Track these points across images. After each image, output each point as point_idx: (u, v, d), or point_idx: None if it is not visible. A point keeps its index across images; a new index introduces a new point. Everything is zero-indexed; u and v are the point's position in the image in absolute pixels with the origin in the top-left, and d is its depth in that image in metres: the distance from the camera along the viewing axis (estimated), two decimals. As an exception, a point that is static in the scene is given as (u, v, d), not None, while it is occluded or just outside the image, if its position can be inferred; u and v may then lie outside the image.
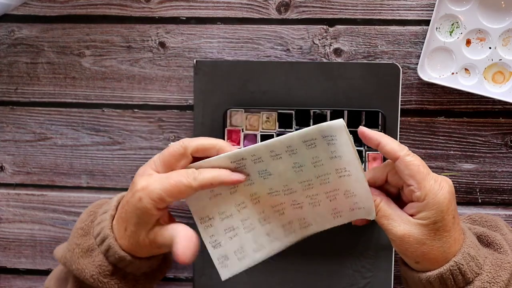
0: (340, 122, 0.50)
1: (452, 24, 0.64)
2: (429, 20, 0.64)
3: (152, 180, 0.51)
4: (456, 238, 0.51)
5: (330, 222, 0.56)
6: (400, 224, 0.51)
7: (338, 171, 0.53)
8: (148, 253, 0.55)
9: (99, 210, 0.58)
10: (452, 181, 0.66)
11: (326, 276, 0.67)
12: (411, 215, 0.52)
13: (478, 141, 0.66)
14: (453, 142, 0.66)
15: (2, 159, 0.72)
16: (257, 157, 0.52)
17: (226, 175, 0.52)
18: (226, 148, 0.53)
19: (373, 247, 0.66)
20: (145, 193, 0.51)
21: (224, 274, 0.56)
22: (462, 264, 0.50)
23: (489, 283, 0.50)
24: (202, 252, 0.66)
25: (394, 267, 0.66)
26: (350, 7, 0.66)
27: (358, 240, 0.66)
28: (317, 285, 0.67)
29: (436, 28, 0.64)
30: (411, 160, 0.51)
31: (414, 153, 0.52)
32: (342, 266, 0.67)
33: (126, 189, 0.70)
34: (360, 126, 0.53)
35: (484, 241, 0.55)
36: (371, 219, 0.54)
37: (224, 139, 0.66)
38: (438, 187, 0.50)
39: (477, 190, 0.67)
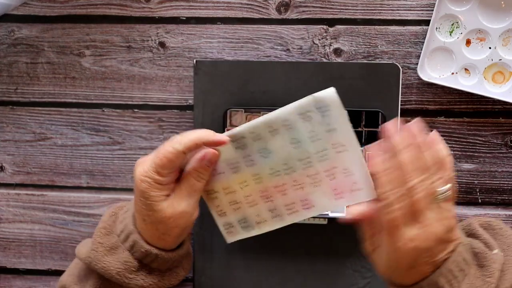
0: (332, 90, 0.51)
1: (452, 24, 0.64)
2: (429, 20, 0.64)
3: (145, 161, 0.54)
4: (409, 277, 0.50)
5: (333, 204, 0.56)
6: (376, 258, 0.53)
7: (335, 146, 0.53)
8: (174, 238, 0.55)
9: (120, 211, 0.59)
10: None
11: (326, 276, 0.67)
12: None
13: (478, 141, 0.66)
14: (453, 142, 0.66)
15: (2, 159, 0.72)
16: (256, 134, 0.53)
17: (210, 134, 0.53)
18: (210, 137, 0.53)
19: (373, 247, 0.66)
20: (141, 176, 0.53)
21: (229, 239, 0.58)
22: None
23: None
24: (202, 252, 0.66)
25: (394, 267, 0.66)
26: (350, 7, 0.66)
27: (358, 240, 0.66)
28: (317, 285, 0.67)
29: (436, 28, 0.64)
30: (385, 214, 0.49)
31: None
32: (342, 266, 0.67)
33: (126, 189, 0.70)
34: (383, 124, 0.51)
35: (480, 262, 0.52)
36: (371, 199, 0.53)
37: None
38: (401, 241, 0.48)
39: (477, 190, 0.67)
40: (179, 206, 0.54)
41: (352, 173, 0.54)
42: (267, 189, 0.56)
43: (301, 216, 0.57)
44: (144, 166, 0.53)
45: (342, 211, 0.65)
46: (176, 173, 0.54)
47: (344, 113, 0.51)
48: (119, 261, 0.55)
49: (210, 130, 0.54)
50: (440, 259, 0.49)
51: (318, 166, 0.54)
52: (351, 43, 0.66)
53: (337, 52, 0.67)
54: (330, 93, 0.51)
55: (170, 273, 0.58)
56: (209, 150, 0.54)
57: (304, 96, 0.65)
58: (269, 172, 0.55)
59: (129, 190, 0.70)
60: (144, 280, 0.56)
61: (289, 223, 0.57)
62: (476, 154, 0.66)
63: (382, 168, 0.49)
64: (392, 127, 0.50)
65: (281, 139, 0.53)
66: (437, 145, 0.49)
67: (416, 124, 0.50)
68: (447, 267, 0.49)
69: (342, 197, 0.55)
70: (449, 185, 0.48)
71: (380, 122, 0.64)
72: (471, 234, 0.57)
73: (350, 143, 0.53)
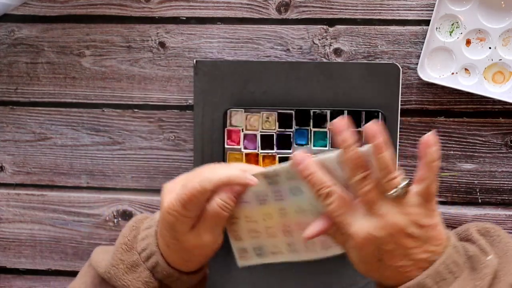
0: (369, 147, 0.50)
1: (452, 24, 0.64)
2: (429, 20, 0.64)
3: (171, 193, 0.53)
4: (388, 276, 0.50)
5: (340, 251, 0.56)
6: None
7: None
8: (196, 264, 0.56)
9: (141, 226, 0.58)
10: (452, 181, 0.67)
11: (326, 276, 0.67)
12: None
13: (478, 141, 0.66)
14: (453, 142, 0.66)
15: (2, 159, 0.72)
16: (291, 175, 0.53)
17: (241, 177, 0.53)
18: (241, 179, 0.53)
19: (373, 247, 0.66)
20: (168, 209, 0.52)
21: (241, 263, 0.58)
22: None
23: None
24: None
25: (394, 267, 0.66)
26: (350, 7, 0.66)
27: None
28: (317, 285, 0.67)
29: (436, 28, 0.64)
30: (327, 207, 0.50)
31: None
32: (342, 266, 0.67)
33: (126, 189, 0.70)
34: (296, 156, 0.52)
35: (473, 265, 0.52)
36: None
37: (224, 139, 0.66)
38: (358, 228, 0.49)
39: (477, 190, 0.67)
40: (204, 237, 0.54)
41: None
42: (290, 224, 0.55)
43: (318, 255, 0.57)
44: (171, 198, 0.52)
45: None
46: (202, 206, 0.54)
47: None
48: (139, 280, 0.54)
49: (241, 171, 0.53)
50: (423, 259, 0.49)
51: None
52: (351, 43, 0.66)
53: (337, 52, 0.67)
54: (367, 150, 0.50)
55: None
56: (235, 185, 0.54)
57: (303, 96, 0.66)
58: (296, 209, 0.55)
59: (129, 190, 0.70)
60: None
61: (306, 259, 0.57)
62: (476, 154, 0.66)
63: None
64: (341, 125, 0.50)
65: None
66: (384, 151, 0.49)
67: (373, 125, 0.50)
68: (434, 268, 0.49)
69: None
70: (401, 185, 0.49)
71: (380, 122, 0.64)
72: (467, 239, 0.57)
73: None
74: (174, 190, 0.53)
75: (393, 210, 0.49)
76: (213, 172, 0.53)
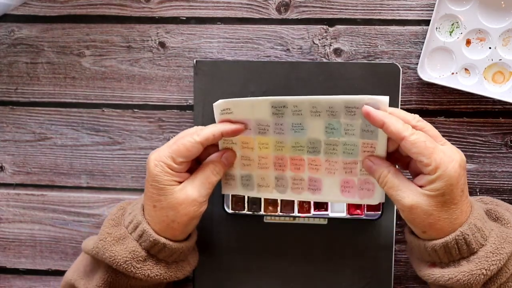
0: (386, 99, 0.53)
1: (452, 24, 0.64)
2: (429, 20, 0.64)
3: (160, 149, 0.56)
4: (463, 210, 0.52)
5: (337, 196, 0.58)
6: (408, 195, 0.52)
7: (364, 145, 0.55)
8: (182, 227, 0.56)
9: (129, 206, 0.60)
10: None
11: (326, 276, 0.67)
12: (421, 186, 0.52)
13: (478, 141, 0.66)
14: (453, 142, 0.66)
15: (2, 159, 0.72)
16: (298, 109, 0.55)
17: (227, 126, 0.56)
18: (227, 127, 0.56)
19: (373, 247, 0.66)
20: (156, 160, 0.55)
21: (224, 190, 0.61)
22: (468, 235, 0.51)
23: (492, 253, 0.51)
24: (202, 252, 0.66)
25: (394, 267, 0.66)
26: (350, 7, 0.66)
27: (358, 240, 0.66)
28: (317, 285, 0.67)
29: (436, 28, 0.64)
30: (416, 139, 0.51)
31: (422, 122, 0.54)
32: (342, 266, 0.67)
33: (126, 189, 0.70)
34: (365, 106, 0.53)
35: (493, 216, 0.56)
36: (375, 203, 0.58)
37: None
38: (448, 159, 0.51)
39: (477, 190, 0.67)
40: (191, 193, 0.55)
41: (369, 175, 0.56)
42: (284, 158, 0.57)
43: (303, 196, 0.59)
44: (160, 152, 0.56)
45: (342, 211, 0.65)
46: (188, 164, 0.57)
47: None
48: (127, 250, 0.56)
49: (228, 123, 0.57)
50: (467, 206, 0.53)
51: (340, 157, 0.56)
52: (351, 43, 0.66)
53: (337, 52, 0.67)
54: (384, 100, 0.53)
55: (176, 265, 0.59)
56: (229, 150, 0.58)
57: (302, 96, 0.66)
58: (293, 145, 0.57)
59: (129, 190, 0.70)
60: (151, 271, 0.56)
61: (288, 198, 0.59)
62: (476, 154, 0.66)
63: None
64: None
65: (319, 122, 0.55)
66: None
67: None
68: (478, 212, 0.53)
69: (349, 191, 0.57)
70: None
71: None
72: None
73: (380, 148, 0.55)
74: (161, 148, 0.56)
75: (449, 148, 0.53)
76: (201, 128, 0.56)
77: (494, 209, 0.56)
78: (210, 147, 0.58)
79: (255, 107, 0.56)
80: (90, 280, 0.59)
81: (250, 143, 0.58)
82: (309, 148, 0.57)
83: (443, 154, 0.51)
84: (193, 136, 0.55)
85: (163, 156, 0.55)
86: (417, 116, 0.54)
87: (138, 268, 0.56)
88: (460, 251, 0.52)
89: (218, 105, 0.56)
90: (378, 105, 0.53)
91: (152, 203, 0.56)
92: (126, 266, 0.56)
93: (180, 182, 0.56)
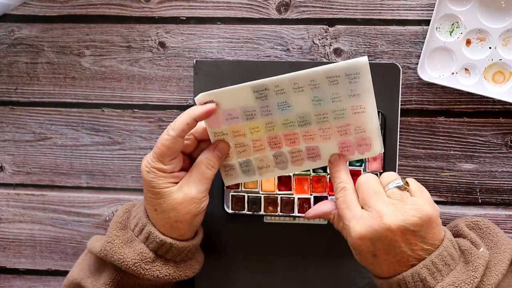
0: (365, 60, 0.53)
1: (452, 24, 0.64)
2: (429, 20, 0.64)
3: (148, 155, 0.56)
4: (383, 270, 0.53)
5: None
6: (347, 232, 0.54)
7: (354, 108, 0.56)
8: (186, 226, 0.56)
9: (133, 208, 0.61)
10: (452, 181, 0.67)
11: (326, 276, 0.67)
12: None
13: (478, 141, 0.66)
14: (453, 142, 0.66)
15: (2, 159, 0.72)
16: (280, 89, 0.55)
17: (197, 109, 0.55)
18: (198, 111, 0.55)
19: (373, 247, 0.66)
20: (146, 167, 0.55)
21: (227, 181, 0.60)
22: (409, 281, 0.51)
23: None
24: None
25: (394, 267, 0.66)
26: (350, 7, 0.66)
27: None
28: (317, 285, 0.67)
29: (436, 28, 0.64)
30: (338, 201, 0.55)
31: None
32: (342, 266, 0.67)
33: (126, 189, 0.70)
34: (330, 158, 0.58)
35: (467, 258, 0.54)
36: (375, 155, 0.58)
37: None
38: (352, 230, 0.52)
39: (477, 190, 0.67)
40: (189, 191, 0.55)
41: (363, 130, 0.56)
42: (277, 136, 0.57)
43: (305, 166, 0.59)
44: (148, 158, 0.56)
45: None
46: (180, 159, 0.57)
47: (371, 82, 0.54)
48: (135, 252, 0.56)
49: (198, 106, 0.55)
50: (419, 255, 0.51)
51: (333, 123, 0.56)
52: (351, 43, 0.66)
53: (337, 52, 0.67)
54: (363, 62, 0.53)
55: (185, 264, 0.59)
56: (221, 142, 0.57)
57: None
58: (283, 122, 0.57)
59: (129, 190, 0.70)
60: (160, 271, 0.57)
61: (292, 172, 0.59)
62: (476, 154, 0.66)
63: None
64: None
65: (304, 96, 0.55)
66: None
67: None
68: (430, 259, 0.51)
69: (348, 150, 0.58)
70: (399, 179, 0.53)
71: (380, 122, 0.64)
72: (458, 234, 0.59)
73: (369, 106, 0.55)
74: (149, 154, 0.56)
75: (389, 207, 0.51)
76: (175, 120, 0.55)
77: (470, 250, 0.54)
78: (203, 143, 0.58)
79: (237, 95, 0.56)
80: (97, 278, 0.60)
81: (241, 131, 0.57)
82: (299, 122, 0.56)
83: (350, 223, 0.52)
84: (169, 132, 0.54)
85: (151, 161, 0.55)
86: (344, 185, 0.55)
87: (147, 269, 0.56)
88: None
89: (200, 99, 0.56)
90: (358, 69, 0.53)
91: (152, 207, 0.56)
92: (135, 268, 0.56)
93: (176, 182, 0.56)
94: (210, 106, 0.55)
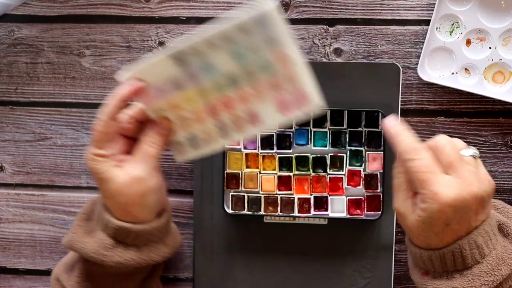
0: (270, 6, 0.51)
1: (452, 24, 0.64)
2: (429, 20, 0.64)
3: (88, 146, 0.56)
4: (443, 240, 0.51)
5: (278, 117, 0.55)
6: (401, 203, 0.53)
7: (277, 57, 0.53)
8: (138, 208, 0.56)
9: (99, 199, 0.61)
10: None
11: (326, 276, 0.67)
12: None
13: (478, 141, 0.66)
14: (453, 142, 0.66)
15: (2, 159, 0.72)
16: (196, 51, 0.53)
17: (123, 89, 0.54)
18: (126, 92, 0.54)
19: (373, 247, 0.66)
20: (87, 157, 0.56)
21: (179, 157, 0.59)
22: (465, 249, 0.51)
23: (486, 273, 0.51)
24: (202, 252, 0.66)
25: (394, 267, 0.66)
26: (350, 7, 0.66)
27: (358, 240, 0.66)
28: (317, 285, 0.67)
29: (436, 28, 0.64)
30: (412, 167, 0.50)
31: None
32: (342, 266, 0.67)
33: (126, 189, 0.70)
34: (385, 120, 0.53)
35: (504, 231, 0.55)
36: (316, 107, 0.53)
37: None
38: (440, 195, 0.49)
39: (477, 190, 0.67)
40: (132, 171, 0.55)
41: (296, 81, 0.53)
42: (213, 104, 0.56)
43: (249, 132, 0.56)
44: (88, 148, 0.56)
45: (342, 211, 0.65)
46: (119, 142, 0.56)
47: (284, 25, 0.52)
48: (95, 241, 0.57)
49: (124, 86, 0.54)
50: (474, 225, 0.51)
51: (261, 78, 0.54)
52: (351, 43, 0.66)
53: (337, 52, 0.67)
54: (268, 8, 0.51)
55: (149, 248, 0.59)
56: (162, 118, 0.56)
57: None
58: (214, 86, 0.55)
59: (129, 190, 0.70)
60: (121, 256, 0.56)
61: (234, 141, 0.58)
62: (476, 154, 0.66)
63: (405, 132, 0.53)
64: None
65: (223, 53, 0.53)
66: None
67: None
68: (483, 228, 0.51)
69: (287, 108, 0.54)
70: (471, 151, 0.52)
71: (380, 122, 0.64)
72: None
73: (291, 51, 0.53)
74: (88, 146, 0.57)
75: (472, 175, 0.50)
76: (105, 104, 0.55)
77: (506, 224, 0.55)
78: (147, 124, 0.57)
79: (158, 68, 0.54)
80: (71, 273, 0.61)
81: (177, 104, 0.56)
82: (229, 83, 0.55)
83: (438, 188, 0.49)
84: (99, 117, 0.54)
85: (90, 149, 0.55)
86: (415, 150, 0.52)
87: (106, 255, 0.56)
88: (455, 263, 0.51)
89: (122, 77, 0.55)
90: (266, 15, 0.51)
91: (103, 194, 0.56)
92: (95, 256, 0.56)
93: (120, 166, 0.56)
94: (135, 84, 0.54)
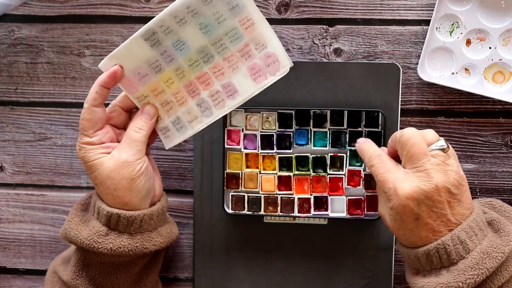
0: None
1: (452, 24, 0.64)
2: (429, 20, 0.64)
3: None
4: (421, 236, 0.52)
5: (254, 86, 0.58)
6: (381, 206, 0.56)
7: (242, 23, 0.56)
8: (127, 193, 0.57)
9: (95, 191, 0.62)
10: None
11: (326, 276, 0.67)
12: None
13: (478, 141, 0.66)
14: (453, 142, 0.66)
15: (2, 159, 0.72)
16: (165, 27, 0.56)
17: (101, 76, 0.57)
18: (104, 78, 0.57)
19: (373, 247, 0.66)
20: (77, 147, 0.58)
21: (167, 144, 0.61)
22: (448, 245, 0.51)
23: (471, 268, 0.51)
24: (202, 252, 0.66)
25: (394, 267, 0.66)
26: (350, 7, 0.66)
27: (358, 240, 0.66)
28: (317, 285, 0.67)
29: (436, 28, 0.64)
30: (373, 170, 0.55)
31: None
32: (342, 266, 0.67)
33: (126, 189, 0.70)
34: (357, 142, 0.59)
35: (494, 227, 0.55)
36: (286, 71, 0.57)
37: (224, 138, 0.66)
38: (398, 191, 0.51)
39: (477, 190, 0.67)
40: (119, 156, 0.57)
41: (264, 46, 0.56)
42: (191, 82, 0.58)
43: (228, 106, 0.59)
44: (78, 139, 0.58)
45: (342, 211, 0.65)
46: (106, 130, 0.58)
47: None
48: (89, 229, 0.58)
49: (102, 74, 0.57)
50: (453, 221, 0.52)
51: (232, 47, 0.57)
52: (351, 43, 0.66)
53: (337, 52, 0.67)
54: None
55: (142, 236, 0.59)
56: (146, 105, 0.59)
57: (303, 96, 0.66)
58: (189, 63, 0.58)
59: (129, 190, 0.70)
60: (113, 244, 0.57)
61: (219, 117, 0.59)
62: (476, 154, 0.66)
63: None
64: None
65: (190, 27, 0.56)
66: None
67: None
68: (467, 223, 0.52)
69: (260, 75, 0.57)
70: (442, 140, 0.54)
71: (380, 122, 0.64)
72: None
73: (255, 16, 0.55)
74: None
75: (435, 168, 0.52)
76: (89, 93, 0.57)
77: (497, 220, 0.55)
78: (134, 113, 0.60)
79: (134, 50, 0.57)
80: (67, 265, 0.62)
81: (158, 88, 0.59)
82: (202, 58, 0.57)
83: (396, 184, 0.52)
84: (84, 106, 0.57)
85: (79, 139, 0.57)
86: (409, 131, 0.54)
87: (100, 242, 0.57)
88: (441, 260, 0.52)
89: (104, 65, 0.57)
90: None
91: (94, 182, 0.58)
92: (88, 243, 0.57)
93: (108, 153, 0.57)
94: (112, 68, 0.57)
